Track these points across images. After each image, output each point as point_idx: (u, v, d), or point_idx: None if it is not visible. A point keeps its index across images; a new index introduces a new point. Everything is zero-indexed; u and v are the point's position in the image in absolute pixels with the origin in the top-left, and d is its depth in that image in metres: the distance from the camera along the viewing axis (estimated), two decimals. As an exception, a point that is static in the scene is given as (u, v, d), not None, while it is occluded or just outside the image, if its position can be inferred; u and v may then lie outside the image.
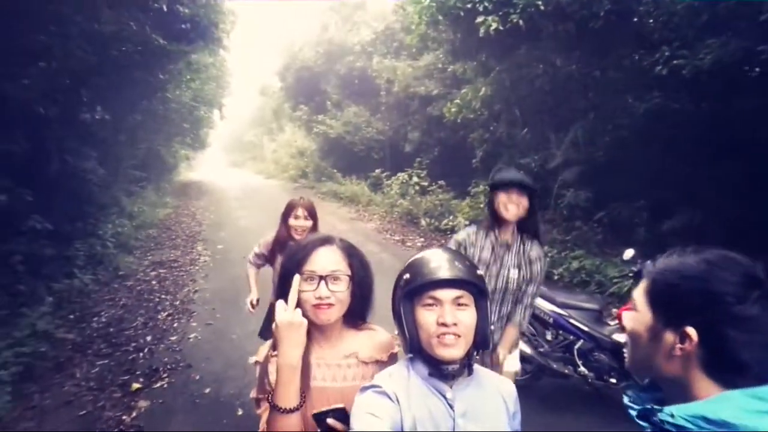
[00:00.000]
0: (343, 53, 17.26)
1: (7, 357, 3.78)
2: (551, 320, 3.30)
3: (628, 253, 3.32)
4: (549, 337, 3.43)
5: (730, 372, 0.73)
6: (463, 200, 9.79)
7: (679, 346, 0.75)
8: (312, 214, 2.77)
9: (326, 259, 1.20)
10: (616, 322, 3.17)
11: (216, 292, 6.07)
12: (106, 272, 6.56)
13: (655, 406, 0.76)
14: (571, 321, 3.25)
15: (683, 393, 0.77)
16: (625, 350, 3.01)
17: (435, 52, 11.79)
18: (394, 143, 15.06)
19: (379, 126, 15.70)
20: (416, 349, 1.10)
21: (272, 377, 1.13)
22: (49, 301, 4.96)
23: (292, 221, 2.74)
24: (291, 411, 1.05)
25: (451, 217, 9.16)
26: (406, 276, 1.12)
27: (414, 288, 1.09)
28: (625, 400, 0.86)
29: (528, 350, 3.32)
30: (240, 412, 3.32)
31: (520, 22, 6.64)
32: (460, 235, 2.39)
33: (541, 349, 3.41)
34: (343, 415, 1.12)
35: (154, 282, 6.56)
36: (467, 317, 1.07)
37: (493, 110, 9.62)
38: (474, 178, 10.40)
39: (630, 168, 6.66)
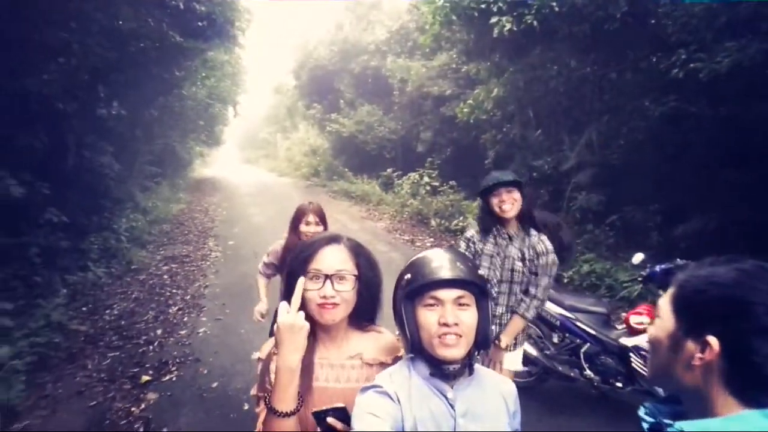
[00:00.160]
0: (358, 52, 17.28)
1: (22, 347, 3.88)
2: (558, 323, 3.28)
3: (638, 257, 3.29)
4: (555, 339, 3.42)
5: (753, 388, 0.69)
6: (474, 201, 9.74)
7: (699, 355, 0.72)
8: (323, 219, 2.72)
9: (332, 258, 1.19)
10: (624, 326, 3.14)
11: (226, 287, 6.14)
12: (119, 266, 6.69)
13: (667, 421, 0.74)
14: (578, 324, 3.22)
15: (702, 407, 0.73)
16: (631, 354, 2.99)
17: (449, 52, 11.74)
18: (406, 143, 15.04)
19: (391, 125, 15.69)
20: (417, 349, 1.10)
21: (273, 376, 1.12)
22: (64, 293, 5.08)
23: (303, 227, 2.68)
24: (287, 415, 1.04)
25: (461, 218, 9.12)
26: (408, 276, 1.12)
27: (415, 288, 1.09)
28: (641, 412, 0.84)
29: (534, 352, 3.30)
30: (246, 407, 3.37)
31: (535, 23, 6.58)
32: (469, 233, 2.51)
33: (547, 352, 3.39)
34: (343, 414, 1.11)
35: (165, 276, 6.67)
36: (468, 317, 1.07)
37: (507, 111, 9.55)
38: (486, 179, 10.35)
39: (644, 171, 6.57)
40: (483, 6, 7.11)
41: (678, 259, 3.11)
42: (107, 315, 5.13)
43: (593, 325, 3.21)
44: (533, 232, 2.38)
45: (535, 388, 3.42)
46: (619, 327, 3.22)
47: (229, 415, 3.29)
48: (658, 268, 3.10)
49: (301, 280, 1.12)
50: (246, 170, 30.90)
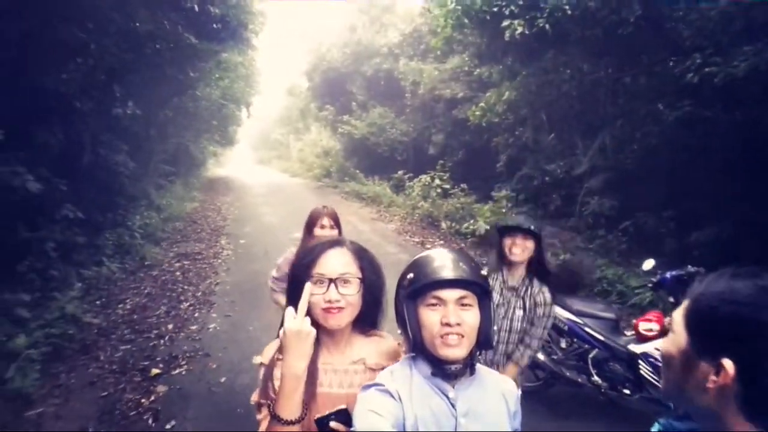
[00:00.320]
0: (370, 55, 17.34)
1: (38, 337, 3.98)
2: (566, 328, 3.26)
3: (648, 264, 3.26)
4: (563, 344, 3.38)
5: None
6: (485, 204, 9.71)
7: (713, 378, 0.67)
8: (337, 223, 2.62)
9: (336, 262, 1.17)
10: (633, 332, 3.11)
11: (236, 285, 6.21)
12: (132, 261, 6.80)
13: None
14: (587, 329, 3.20)
15: (716, 429, 0.69)
16: (640, 361, 2.96)
17: (461, 55, 11.73)
18: (417, 145, 15.05)
19: (403, 128, 15.71)
20: (419, 349, 1.10)
21: (277, 383, 1.10)
22: (79, 286, 5.18)
23: (318, 231, 2.56)
24: (292, 423, 1.02)
25: (471, 221, 9.08)
26: (410, 275, 1.12)
27: (418, 288, 1.09)
28: (655, 428, 0.80)
29: (541, 357, 3.28)
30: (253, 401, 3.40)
31: (547, 26, 6.54)
32: None
33: (555, 357, 3.37)
34: (345, 416, 1.10)
35: (178, 273, 6.76)
36: (471, 317, 1.07)
37: (519, 114, 9.52)
38: (498, 183, 10.32)
39: (658, 177, 6.50)
40: (495, 9, 7.10)
41: (689, 266, 3.06)
42: (120, 309, 5.22)
43: (602, 331, 3.19)
44: (536, 282, 2.34)
45: (542, 392, 3.40)
46: (628, 333, 3.19)
47: (236, 410, 3.33)
48: (668, 274, 3.06)
49: (308, 286, 1.10)
50: (259, 170, 31.20)
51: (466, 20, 7.76)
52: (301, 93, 24.22)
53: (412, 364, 1.13)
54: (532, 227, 2.24)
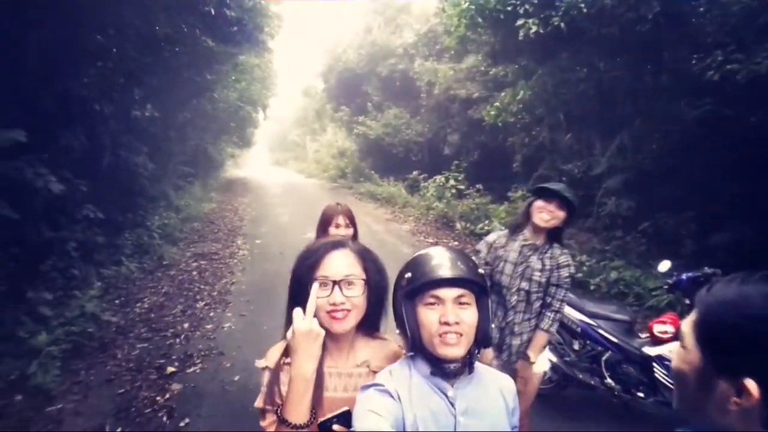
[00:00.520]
0: (386, 55, 17.37)
1: (58, 335, 4.09)
2: (579, 329, 3.22)
3: (664, 265, 3.19)
4: (576, 346, 3.33)
5: None
6: (501, 205, 9.63)
7: (735, 399, 0.61)
8: (352, 221, 2.53)
9: (339, 263, 1.15)
10: (647, 334, 3.05)
11: (251, 284, 6.29)
12: (151, 261, 6.93)
13: None
14: (600, 331, 3.15)
15: None
16: (654, 364, 2.90)
17: (476, 55, 11.66)
18: (432, 145, 15.01)
19: (418, 128, 15.70)
20: (418, 348, 1.10)
21: (284, 388, 1.08)
22: (99, 285, 5.31)
23: (333, 230, 2.45)
24: (301, 427, 1.00)
25: (486, 222, 9.02)
26: (408, 275, 1.12)
27: (416, 287, 1.09)
28: None
29: (554, 359, 3.24)
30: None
31: (562, 25, 6.45)
32: (491, 237, 2.51)
33: (568, 359, 3.33)
34: (348, 419, 1.09)
35: (194, 272, 6.86)
36: (469, 316, 1.07)
37: (535, 114, 9.40)
38: (514, 183, 10.22)
39: (678, 177, 6.34)
40: (509, 8, 7.04)
41: (706, 268, 2.99)
42: (138, 308, 5.33)
43: (615, 333, 3.13)
44: (557, 245, 2.37)
45: (555, 395, 3.35)
46: (643, 336, 3.13)
47: (249, 409, 3.35)
48: (684, 276, 3.00)
49: (314, 286, 1.09)
50: (275, 171, 31.52)
51: (480, 19, 7.71)
52: (316, 94, 24.45)
53: (411, 363, 1.13)
54: (570, 197, 2.22)
